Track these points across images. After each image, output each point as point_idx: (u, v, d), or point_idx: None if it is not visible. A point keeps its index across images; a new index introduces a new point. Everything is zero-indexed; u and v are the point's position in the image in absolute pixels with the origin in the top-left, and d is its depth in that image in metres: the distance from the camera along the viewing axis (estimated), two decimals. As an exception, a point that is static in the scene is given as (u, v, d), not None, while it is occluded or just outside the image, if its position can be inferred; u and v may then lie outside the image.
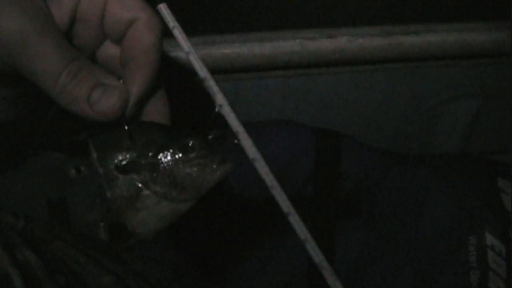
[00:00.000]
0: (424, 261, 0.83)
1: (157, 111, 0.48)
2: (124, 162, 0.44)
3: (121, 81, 0.44)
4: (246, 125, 0.48)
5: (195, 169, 0.44)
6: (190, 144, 0.44)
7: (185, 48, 0.47)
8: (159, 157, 0.44)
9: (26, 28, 0.39)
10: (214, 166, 0.45)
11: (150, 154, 0.44)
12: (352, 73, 0.90)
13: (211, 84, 0.48)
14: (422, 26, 0.85)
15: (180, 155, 0.44)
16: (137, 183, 0.44)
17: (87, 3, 0.44)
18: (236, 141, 0.47)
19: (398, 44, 0.84)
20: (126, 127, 0.44)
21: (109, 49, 0.48)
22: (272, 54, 0.81)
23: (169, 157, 0.44)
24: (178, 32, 0.47)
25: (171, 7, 0.47)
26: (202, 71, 0.48)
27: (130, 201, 0.44)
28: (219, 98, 0.48)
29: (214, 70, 0.48)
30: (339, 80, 0.91)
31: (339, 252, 0.85)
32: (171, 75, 0.80)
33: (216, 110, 0.48)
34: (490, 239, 0.82)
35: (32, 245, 0.40)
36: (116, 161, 0.44)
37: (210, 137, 0.46)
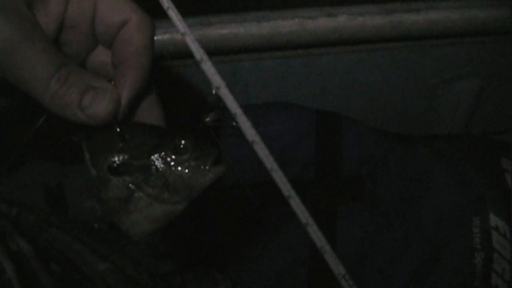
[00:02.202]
0: (428, 244, 0.83)
1: (149, 112, 0.48)
2: (116, 164, 0.43)
3: (112, 83, 0.44)
4: (244, 108, 0.48)
5: (187, 170, 0.44)
6: (182, 145, 0.44)
7: (180, 29, 0.47)
8: (151, 158, 0.44)
9: (12, 37, 0.39)
10: (207, 168, 0.44)
11: (143, 155, 0.44)
12: (352, 53, 0.89)
13: (208, 66, 0.47)
14: (423, 4, 0.84)
15: (173, 156, 0.44)
16: (130, 184, 0.43)
17: (75, 9, 0.44)
18: (234, 123, 0.46)
19: (398, 22, 0.83)
20: (118, 129, 0.44)
21: (99, 56, 0.48)
22: (270, 34, 0.80)
23: (161, 159, 0.44)
24: (173, 13, 0.46)
25: (166, -13, 0.46)
26: (199, 53, 0.47)
27: (123, 203, 0.43)
28: (216, 80, 0.47)
29: (211, 52, 0.47)
30: (339, 60, 0.90)
31: (342, 235, 0.84)
32: (167, 59, 0.79)
33: (213, 92, 0.47)
34: (494, 220, 0.81)
35: (26, 233, 0.39)
36: (108, 162, 0.43)
37: (207, 119, 0.46)
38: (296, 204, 0.48)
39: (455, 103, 1.00)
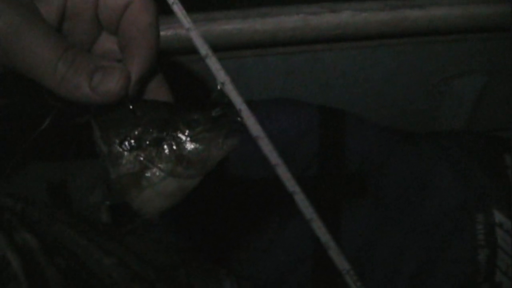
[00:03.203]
0: (431, 240, 0.83)
1: (157, 92, 0.48)
2: (128, 139, 0.43)
3: (121, 63, 0.44)
4: (248, 103, 0.48)
5: (200, 143, 0.43)
6: (195, 119, 0.43)
7: (185, 24, 0.47)
8: (163, 132, 0.43)
9: (15, 23, 0.39)
10: (220, 140, 0.44)
11: (155, 130, 0.43)
12: (356, 49, 0.89)
13: (213, 61, 0.47)
14: (427, 0, 0.84)
15: (186, 130, 0.43)
16: (142, 159, 0.43)
17: None
18: (239, 118, 0.46)
19: (402, 18, 0.83)
20: (130, 106, 0.43)
21: (105, 43, 0.48)
22: (274, 30, 0.80)
23: (174, 133, 0.43)
24: (178, 8, 0.46)
25: (171, -17, 0.46)
26: (203, 48, 0.47)
27: (135, 179, 0.43)
28: (221, 76, 0.47)
29: (215, 47, 0.47)
30: (342, 56, 0.90)
31: (346, 231, 0.84)
32: (172, 53, 0.79)
33: (218, 87, 0.47)
34: (498, 216, 0.81)
35: (32, 227, 0.39)
36: (120, 138, 0.43)
37: (212, 115, 0.45)
38: (300, 199, 0.48)
39: (458, 100, 0.99)
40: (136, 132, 0.43)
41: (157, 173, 0.43)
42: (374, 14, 0.82)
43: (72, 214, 0.43)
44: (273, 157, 0.48)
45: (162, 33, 0.73)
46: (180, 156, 0.43)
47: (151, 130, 0.43)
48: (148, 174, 0.43)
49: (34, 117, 0.45)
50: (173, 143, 0.43)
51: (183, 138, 0.43)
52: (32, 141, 0.44)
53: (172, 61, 0.82)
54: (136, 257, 0.42)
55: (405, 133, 0.90)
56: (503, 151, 0.87)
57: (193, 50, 0.47)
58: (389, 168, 0.86)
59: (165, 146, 0.43)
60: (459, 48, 0.93)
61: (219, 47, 0.80)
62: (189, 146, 0.43)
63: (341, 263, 0.49)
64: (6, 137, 0.48)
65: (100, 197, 0.44)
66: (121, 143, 0.43)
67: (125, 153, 0.43)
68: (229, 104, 0.47)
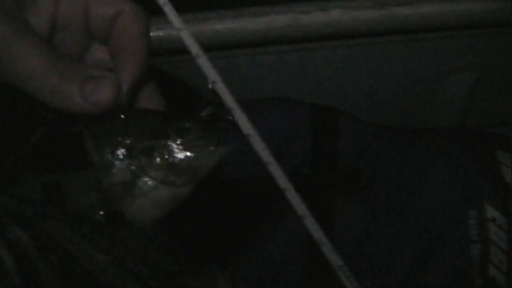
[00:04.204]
0: (425, 236, 0.83)
1: (149, 100, 0.48)
2: (119, 148, 0.43)
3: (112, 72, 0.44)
4: (240, 102, 0.48)
5: (192, 151, 0.43)
6: (186, 127, 0.43)
7: (176, 25, 0.47)
8: (154, 141, 0.43)
9: (5, 34, 0.39)
10: (212, 148, 0.44)
11: (146, 138, 0.43)
12: (347, 47, 0.89)
13: (204, 61, 0.47)
14: (416, -4, 0.84)
15: (177, 138, 0.43)
16: (134, 168, 0.43)
17: (67, 8, 0.44)
18: (230, 117, 0.46)
19: (392, 15, 0.83)
20: (121, 115, 0.43)
21: (96, 53, 0.48)
22: (265, 29, 0.80)
23: (165, 141, 0.43)
24: (168, 9, 0.46)
25: (161, -16, 0.46)
26: (194, 48, 0.47)
27: (127, 188, 0.43)
28: (212, 75, 0.47)
29: (206, 47, 0.47)
30: (334, 54, 0.90)
31: (339, 228, 0.84)
32: (163, 54, 0.79)
33: (209, 87, 0.47)
34: (490, 211, 0.81)
35: (25, 225, 0.39)
36: (111, 147, 0.43)
37: (204, 113, 0.46)
38: (292, 196, 0.48)
39: (450, 97, 1.00)
40: (128, 141, 0.43)
41: (149, 182, 0.43)
42: (364, 12, 0.82)
43: (66, 212, 0.43)
44: (265, 155, 0.48)
45: (152, 33, 0.74)
46: (171, 164, 0.43)
47: (142, 139, 0.43)
48: (140, 183, 0.43)
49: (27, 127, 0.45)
50: (165, 152, 0.43)
51: (174, 146, 0.43)
52: (24, 152, 0.44)
53: (163, 62, 0.82)
54: (129, 254, 0.42)
55: (398, 130, 0.90)
56: (495, 147, 0.87)
57: (184, 50, 0.47)
58: (382, 165, 0.86)
59: (156, 155, 0.43)
60: (450, 45, 0.93)
61: (211, 47, 0.80)
62: (180, 154, 0.43)
63: (334, 259, 0.49)
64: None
65: (94, 198, 0.44)
66: (112, 152, 0.43)
67: (117, 162, 0.43)
68: (221, 103, 0.47)
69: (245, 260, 0.84)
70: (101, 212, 0.44)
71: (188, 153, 0.43)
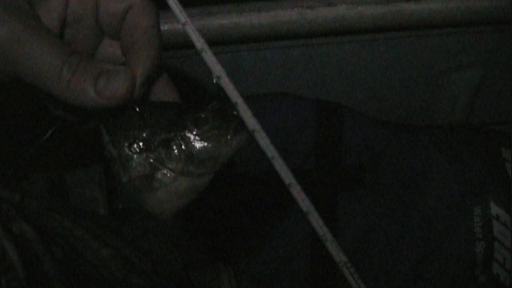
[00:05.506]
0: (429, 233, 0.83)
1: (163, 93, 0.48)
2: (137, 141, 0.43)
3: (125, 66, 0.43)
4: (245, 97, 0.48)
5: (209, 141, 0.43)
6: (202, 117, 0.43)
7: (181, 19, 0.47)
8: (172, 133, 0.43)
9: (17, 31, 0.39)
10: (229, 137, 0.43)
11: (163, 130, 0.43)
12: (352, 43, 0.89)
13: (209, 55, 0.47)
14: (422, -7, 0.84)
15: (193, 128, 0.43)
16: (152, 161, 0.43)
17: (77, 4, 0.44)
18: (235, 112, 0.46)
19: (398, 11, 0.83)
20: (136, 108, 0.43)
21: (107, 49, 0.47)
22: (270, 24, 0.80)
23: (182, 132, 0.43)
24: (173, 3, 0.46)
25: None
26: (199, 43, 0.47)
27: (147, 181, 0.43)
28: (217, 70, 0.47)
29: (211, 42, 0.47)
30: (339, 50, 0.90)
31: (343, 224, 0.84)
32: (168, 48, 0.79)
33: (214, 81, 0.47)
34: (495, 209, 0.81)
35: (29, 218, 0.39)
36: (129, 141, 0.43)
37: (209, 108, 0.45)
38: (297, 192, 0.48)
39: (455, 93, 0.99)
40: (144, 134, 0.43)
41: (168, 174, 0.43)
42: (370, 7, 0.82)
43: (70, 206, 0.43)
44: (270, 150, 0.48)
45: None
46: (189, 155, 0.43)
47: (159, 131, 0.43)
48: (159, 175, 0.43)
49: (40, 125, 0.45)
50: (182, 143, 0.43)
51: (192, 137, 0.43)
52: (33, 150, 0.44)
53: (168, 56, 0.82)
54: (133, 249, 0.42)
55: (403, 126, 0.90)
56: (500, 144, 0.87)
57: (190, 45, 0.47)
58: (386, 161, 0.86)
59: (174, 146, 0.43)
60: (456, 41, 0.93)
61: (215, 42, 0.80)
62: (198, 144, 0.43)
63: (338, 255, 0.49)
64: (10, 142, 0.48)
65: (97, 191, 0.44)
66: (130, 146, 0.43)
67: (135, 155, 0.43)
68: (225, 98, 0.47)
69: (249, 256, 0.84)
70: (120, 207, 0.44)
71: (206, 143, 0.43)
